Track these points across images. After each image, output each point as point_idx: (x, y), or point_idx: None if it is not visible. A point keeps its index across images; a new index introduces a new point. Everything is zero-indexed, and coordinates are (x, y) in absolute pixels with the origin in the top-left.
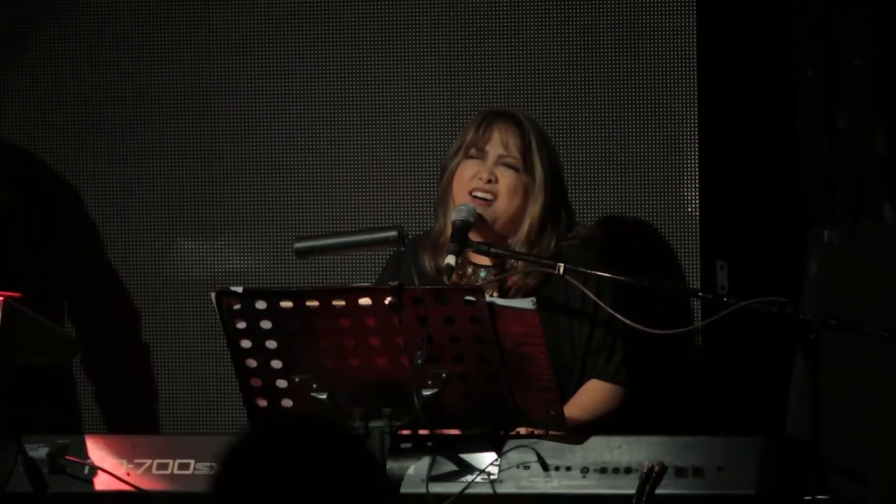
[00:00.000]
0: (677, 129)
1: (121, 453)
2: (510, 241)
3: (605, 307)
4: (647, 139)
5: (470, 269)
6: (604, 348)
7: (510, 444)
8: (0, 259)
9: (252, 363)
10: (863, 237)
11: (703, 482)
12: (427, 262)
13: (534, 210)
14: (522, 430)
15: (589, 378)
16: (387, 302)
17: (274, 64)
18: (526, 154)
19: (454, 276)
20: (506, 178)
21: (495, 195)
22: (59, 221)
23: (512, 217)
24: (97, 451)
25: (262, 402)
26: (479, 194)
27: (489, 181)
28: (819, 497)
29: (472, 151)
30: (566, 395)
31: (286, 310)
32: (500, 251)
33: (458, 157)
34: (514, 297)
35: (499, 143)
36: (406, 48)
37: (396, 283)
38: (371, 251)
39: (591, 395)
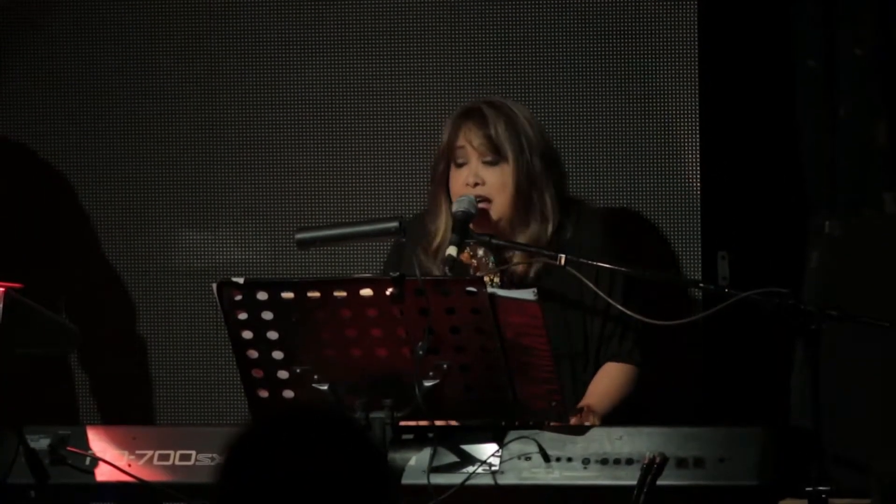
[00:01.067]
0: (678, 119)
1: (122, 444)
2: (504, 229)
3: (606, 297)
4: (648, 129)
5: (481, 251)
6: (616, 332)
7: (511, 435)
8: (0, 250)
9: (253, 354)
10: (863, 227)
11: (705, 473)
12: (428, 263)
13: (505, 198)
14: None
15: (604, 362)
16: (388, 293)
17: (275, 55)
18: (495, 145)
19: (465, 257)
20: (491, 175)
21: (489, 197)
22: (60, 212)
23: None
24: (98, 442)
25: (264, 393)
26: None
27: (476, 184)
28: (820, 488)
29: (454, 156)
30: (583, 380)
31: (287, 300)
32: (502, 242)
33: (441, 165)
34: (519, 286)
35: (467, 143)
36: (407, 37)
37: (398, 273)
38: (372, 242)
39: (612, 379)
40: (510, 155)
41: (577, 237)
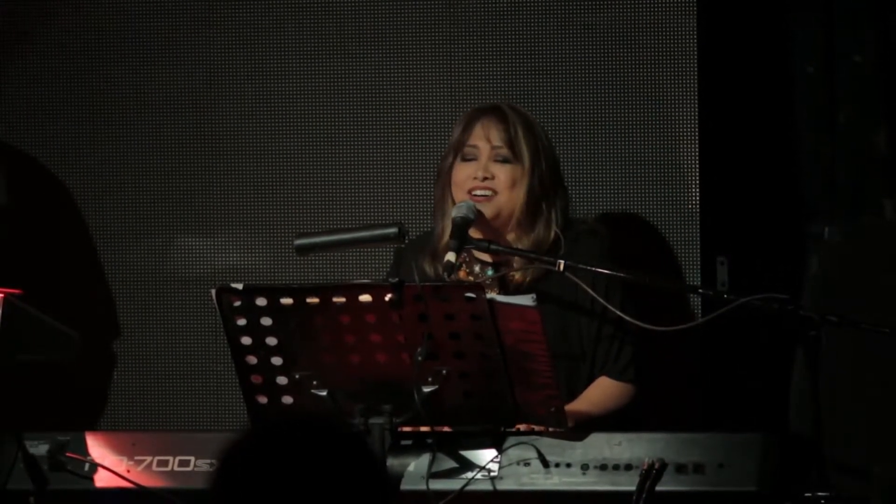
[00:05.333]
0: (677, 125)
1: (121, 450)
2: (507, 231)
3: (604, 303)
4: (647, 135)
5: (477, 267)
6: (613, 344)
7: (510, 440)
8: (1, 256)
9: (252, 360)
10: (863, 233)
11: (704, 479)
12: (428, 268)
13: (519, 195)
14: (522, 427)
15: (599, 374)
16: (387, 298)
17: (273, 60)
18: (513, 143)
19: (461, 274)
20: (502, 172)
21: (495, 191)
22: (59, 218)
23: (514, 209)
24: (97, 448)
25: (263, 399)
26: (478, 192)
27: (485, 178)
28: (820, 494)
29: (463, 152)
30: (577, 387)
31: (286, 306)
32: (501, 248)
33: (450, 160)
34: (515, 293)
35: (485, 137)
36: (405, 44)
37: (397, 279)
38: (371, 248)
39: (600, 391)
40: (527, 157)
41: (572, 253)
